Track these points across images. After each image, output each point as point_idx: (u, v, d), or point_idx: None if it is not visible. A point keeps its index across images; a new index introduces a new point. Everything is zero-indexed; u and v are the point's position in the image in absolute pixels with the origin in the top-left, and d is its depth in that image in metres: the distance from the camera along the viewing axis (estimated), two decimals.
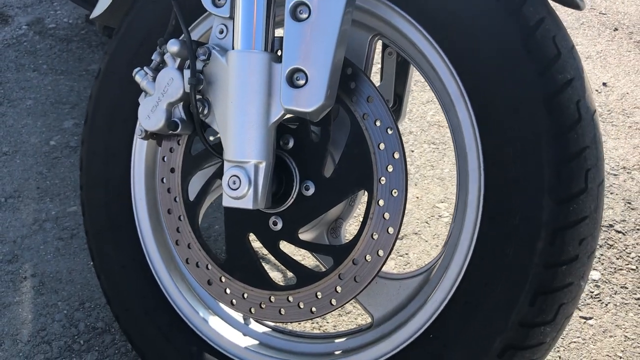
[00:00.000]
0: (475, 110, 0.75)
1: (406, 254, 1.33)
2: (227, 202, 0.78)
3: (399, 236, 1.20)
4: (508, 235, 0.72)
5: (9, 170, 1.47)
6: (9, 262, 1.24)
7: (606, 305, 1.23)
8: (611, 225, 1.41)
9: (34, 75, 1.82)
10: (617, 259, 1.33)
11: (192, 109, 0.82)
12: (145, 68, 0.87)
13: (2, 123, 1.63)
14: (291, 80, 0.75)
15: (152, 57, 0.88)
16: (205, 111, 0.83)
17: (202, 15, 0.93)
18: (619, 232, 1.40)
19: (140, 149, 1.00)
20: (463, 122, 0.76)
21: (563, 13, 2.41)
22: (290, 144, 0.84)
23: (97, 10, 1.00)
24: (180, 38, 0.84)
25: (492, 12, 0.72)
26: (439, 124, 1.73)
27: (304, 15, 0.74)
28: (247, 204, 0.77)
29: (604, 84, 1.95)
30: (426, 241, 1.35)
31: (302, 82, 0.75)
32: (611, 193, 1.50)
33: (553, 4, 0.77)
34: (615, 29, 2.38)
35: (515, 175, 0.72)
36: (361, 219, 0.80)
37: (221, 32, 0.83)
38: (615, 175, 1.56)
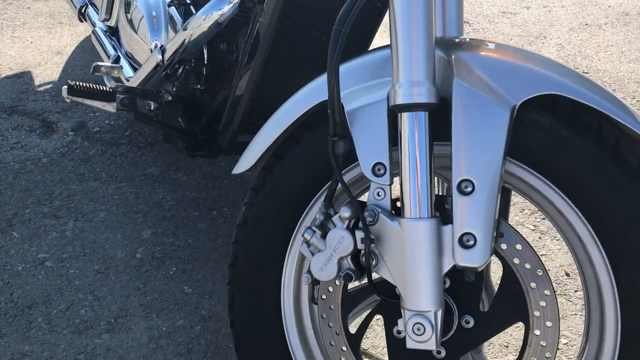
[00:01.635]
0: (608, 256, 0.92)
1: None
2: (411, 344, 0.94)
3: None
4: None
5: (108, 288, 1.57)
6: None
7: None
8: None
9: (97, 184, 1.92)
10: None
11: (364, 263, 0.98)
12: (313, 227, 1.02)
13: (85, 239, 1.72)
14: (462, 242, 0.91)
15: (316, 216, 1.04)
16: (374, 262, 0.98)
17: (351, 165, 1.07)
18: None
19: (288, 283, 1.14)
20: (597, 264, 0.94)
21: None
22: (447, 284, 1.00)
23: (242, 167, 1.14)
24: (348, 202, 1.00)
25: (619, 181, 0.91)
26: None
27: (469, 189, 0.91)
28: (430, 346, 0.93)
29: None
30: None
31: (471, 242, 0.91)
32: None
33: None
34: None
35: None
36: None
37: (379, 194, 0.99)
38: None
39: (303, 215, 1.12)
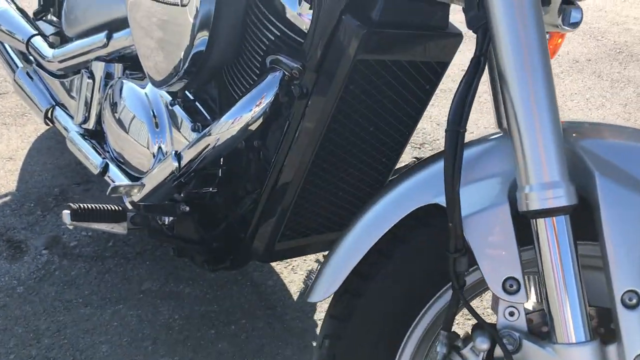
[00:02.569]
0: None
1: None
2: None
3: None
4: None
5: None
6: None
7: None
8: None
9: (89, 311, 1.66)
10: None
11: None
12: None
13: None
14: None
15: (437, 350, 0.87)
16: None
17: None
18: None
19: None
20: None
21: None
22: None
23: (321, 294, 0.96)
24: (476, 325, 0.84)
25: None
26: None
27: (634, 302, 0.78)
28: None
29: None
30: None
31: None
32: None
33: None
34: None
35: None
36: None
37: (512, 314, 0.84)
38: None
39: (403, 344, 0.95)
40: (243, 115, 1.20)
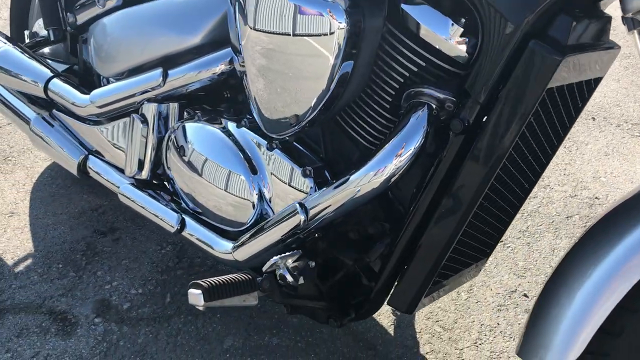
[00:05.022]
0: None
1: None
2: None
3: None
4: None
5: None
6: None
7: None
8: None
9: None
10: None
11: None
12: None
13: None
14: None
15: None
16: None
17: None
18: None
19: None
20: None
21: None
22: None
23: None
24: None
25: None
26: None
27: None
28: None
29: None
30: None
31: None
32: None
33: None
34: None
35: None
36: None
37: None
38: None
39: None
40: (387, 166, 1.07)
